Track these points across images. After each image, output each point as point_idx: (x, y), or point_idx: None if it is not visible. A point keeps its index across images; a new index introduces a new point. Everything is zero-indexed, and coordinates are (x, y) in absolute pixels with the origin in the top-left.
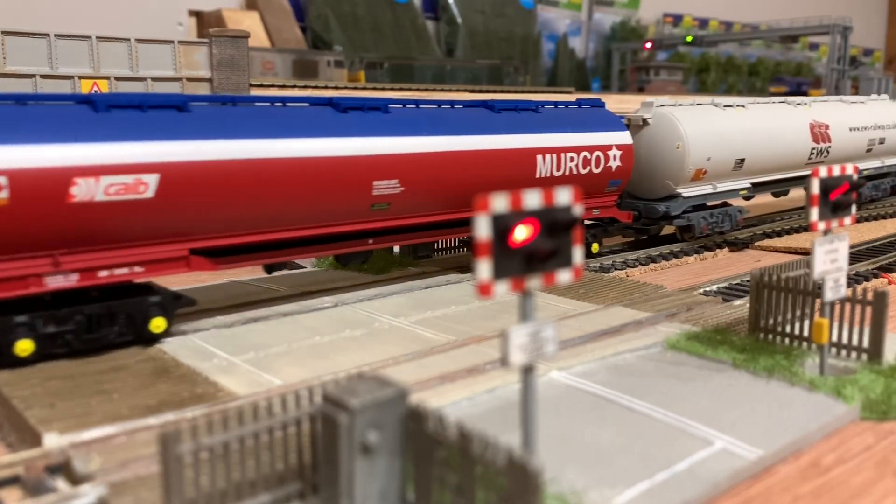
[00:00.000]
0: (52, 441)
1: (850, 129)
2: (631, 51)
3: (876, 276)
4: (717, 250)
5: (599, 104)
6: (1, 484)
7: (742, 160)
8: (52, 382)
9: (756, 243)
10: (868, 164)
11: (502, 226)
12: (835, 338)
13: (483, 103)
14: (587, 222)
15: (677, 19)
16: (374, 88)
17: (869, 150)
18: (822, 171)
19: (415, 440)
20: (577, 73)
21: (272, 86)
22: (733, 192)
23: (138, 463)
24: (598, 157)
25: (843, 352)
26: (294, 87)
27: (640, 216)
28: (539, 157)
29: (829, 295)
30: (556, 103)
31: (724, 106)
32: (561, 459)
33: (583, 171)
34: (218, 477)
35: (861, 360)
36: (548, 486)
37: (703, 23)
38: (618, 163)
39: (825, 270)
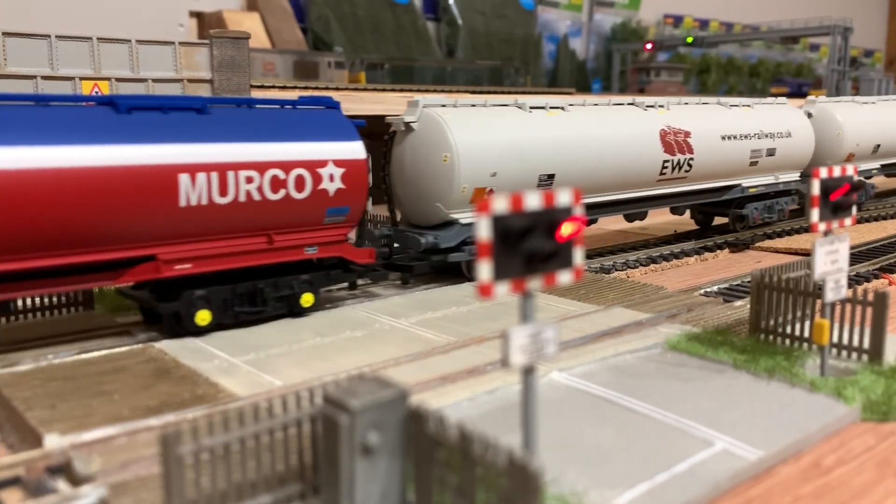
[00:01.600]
0: (53, 442)
1: (724, 138)
2: (631, 52)
3: (876, 277)
4: (718, 251)
5: (332, 104)
6: (2, 485)
7: (550, 175)
8: (52, 383)
9: (756, 244)
10: (755, 181)
11: (503, 227)
12: (835, 339)
13: (109, 99)
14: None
15: (678, 20)
16: (375, 90)
17: (754, 164)
18: (823, 172)
19: (415, 441)
20: (577, 75)
21: (273, 87)
22: None
23: (139, 464)
24: (300, 177)
25: (844, 353)
26: (295, 87)
27: (398, 251)
28: (184, 176)
29: (830, 296)
30: (272, 102)
31: (531, 108)
32: (561, 460)
33: (272, 196)
34: (218, 478)
35: (862, 360)
36: (548, 487)
37: (704, 24)
38: (338, 184)
39: (826, 271)
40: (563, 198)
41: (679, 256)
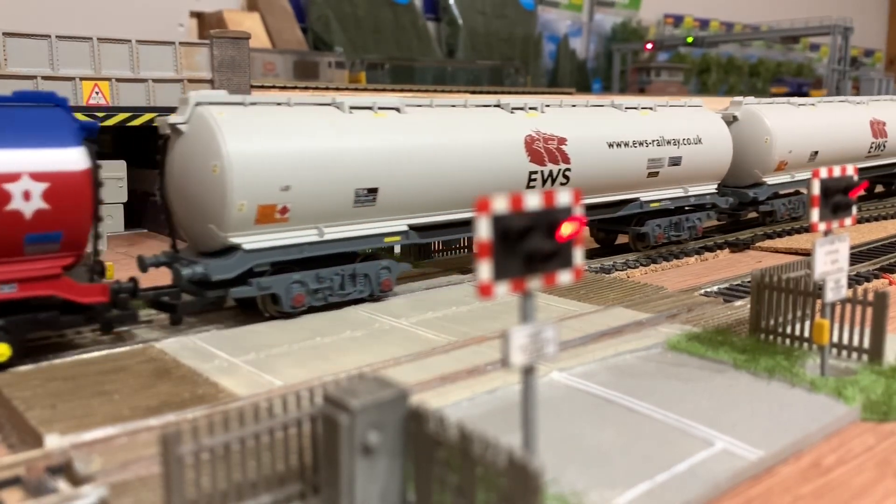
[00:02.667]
0: (53, 442)
1: (612, 145)
2: (632, 52)
3: (876, 277)
4: (718, 251)
5: (56, 101)
6: (2, 485)
7: (371, 190)
8: (53, 383)
9: (757, 244)
10: (656, 194)
11: (503, 227)
12: (835, 338)
13: None
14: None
15: (678, 20)
16: (376, 90)
17: (654, 175)
18: (823, 172)
19: (415, 441)
20: (577, 74)
21: (273, 87)
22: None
23: (139, 464)
24: None
25: (844, 352)
26: (295, 88)
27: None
28: None
29: (830, 296)
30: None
31: (352, 108)
32: (561, 460)
33: None
34: (219, 478)
35: (862, 360)
36: (548, 486)
37: (704, 23)
38: (39, 203)
39: (826, 271)
40: (564, 198)
41: (679, 256)
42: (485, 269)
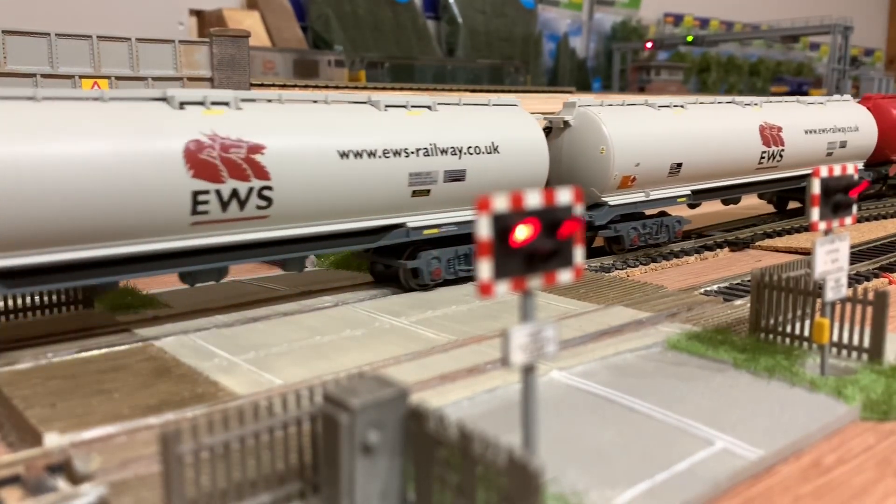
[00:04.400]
0: (53, 440)
1: (344, 155)
2: (632, 50)
3: (877, 276)
4: (718, 250)
5: None
6: (1, 483)
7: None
8: (52, 382)
9: (757, 243)
10: (430, 219)
11: (503, 226)
12: (835, 338)
13: None
14: None
15: (678, 19)
16: (375, 88)
17: (421, 194)
18: (823, 171)
19: (415, 440)
20: (577, 73)
21: (273, 85)
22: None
23: (139, 462)
24: None
25: (844, 352)
26: (295, 86)
27: None
28: None
29: (830, 295)
30: None
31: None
32: (562, 459)
33: None
34: (218, 477)
35: (862, 360)
36: (548, 486)
37: (704, 22)
38: None
39: (826, 270)
40: (564, 197)
41: (679, 255)
42: (485, 268)
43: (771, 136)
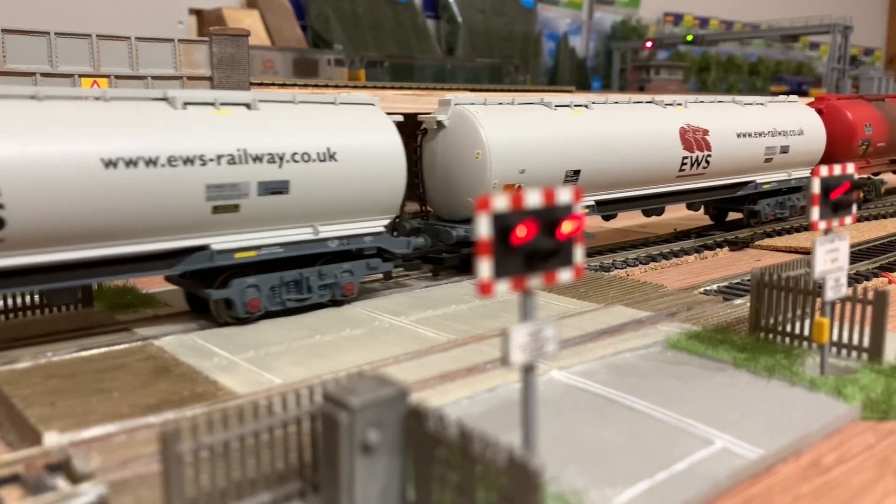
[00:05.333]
0: (52, 440)
1: (101, 164)
2: (631, 50)
3: (876, 276)
4: (718, 249)
5: None
6: (1, 483)
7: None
8: (52, 381)
9: (756, 242)
10: (226, 240)
11: (503, 225)
12: (835, 337)
13: None
14: None
15: (678, 18)
16: (375, 87)
17: (227, 209)
18: (823, 171)
19: (415, 439)
20: (577, 73)
21: (272, 84)
22: None
23: (138, 462)
24: None
25: (844, 351)
26: (294, 85)
27: None
28: None
29: (830, 294)
30: None
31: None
32: (561, 459)
33: None
34: (218, 476)
35: (861, 359)
36: (548, 485)
37: (704, 22)
38: None
39: (826, 270)
40: (564, 196)
41: (679, 255)
42: (485, 268)
43: (694, 139)
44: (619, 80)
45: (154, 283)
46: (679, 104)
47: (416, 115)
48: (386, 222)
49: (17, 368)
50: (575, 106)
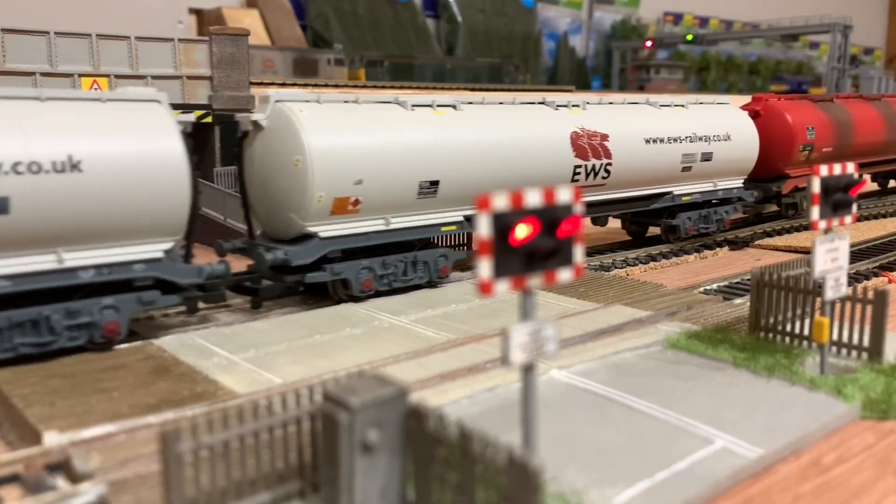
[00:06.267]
0: (52, 439)
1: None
2: (631, 49)
3: (876, 275)
4: (718, 249)
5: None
6: (1, 482)
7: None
8: (51, 380)
9: (756, 242)
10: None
11: (503, 224)
12: (835, 337)
13: None
14: None
15: (678, 18)
16: (375, 87)
17: None
18: (823, 170)
19: (415, 439)
20: (577, 72)
21: (272, 84)
22: None
23: (138, 461)
24: None
25: (844, 351)
26: (294, 85)
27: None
28: None
29: (830, 294)
30: None
31: None
32: (561, 458)
33: None
34: (218, 475)
35: (861, 359)
36: (548, 485)
37: (704, 21)
38: None
39: (826, 269)
40: (564, 195)
41: (678, 254)
42: (485, 267)
43: (590, 146)
44: (619, 79)
45: None
46: (575, 106)
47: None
48: (167, 246)
49: (17, 368)
50: (438, 106)
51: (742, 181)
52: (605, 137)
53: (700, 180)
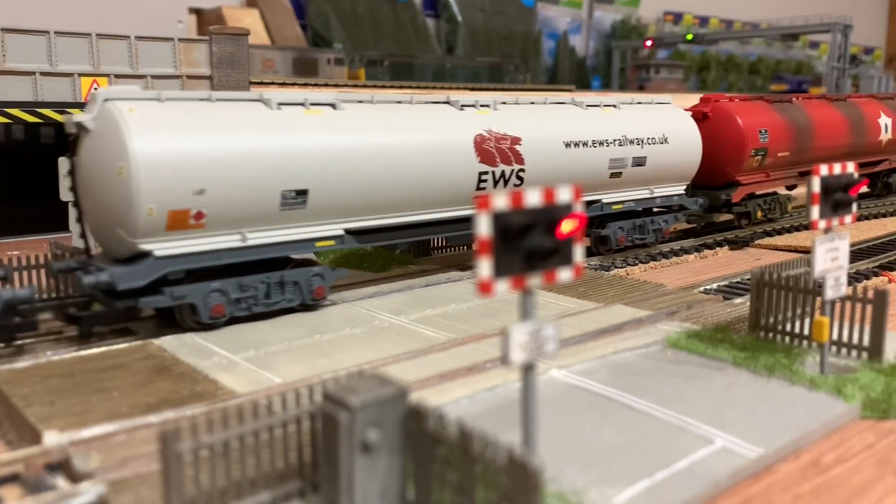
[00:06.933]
0: (52, 439)
1: None
2: (631, 49)
3: (876, 275)
4: (718, 248)
5: None
6: (1, 482)
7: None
8: (51, 380)
9: (756, 242)
10: None
11: (503, 224)
12: (835, 336)
13: None
14: None
15: (678, 17)
16: (375, 86)
17: None
18: (823, 170)
19: (415, 438)
20: (577, 72)
21: (272, 83)
22: None
23: (138, 461)
24: None
25: (844, 350)
26: (294, 84)
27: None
28: None
29: (830, 293)
30: None
31: None
32: (561, 458)
33: None
34: (218, 475)
35: (861, 358)
36: (548, 484)
37: (704, 21)
38: None
39: (826, 269)
40: (564, 195)
41: (678, 254)
42: (485, 267)
43: (498, 150)
44: (619, 79)
45: None
46: (484, 106)
47: None
48: None
49: (16, 367)
50: (312, 105)
51: (684, 188)
52: (516, 141)
53: (633, 187)
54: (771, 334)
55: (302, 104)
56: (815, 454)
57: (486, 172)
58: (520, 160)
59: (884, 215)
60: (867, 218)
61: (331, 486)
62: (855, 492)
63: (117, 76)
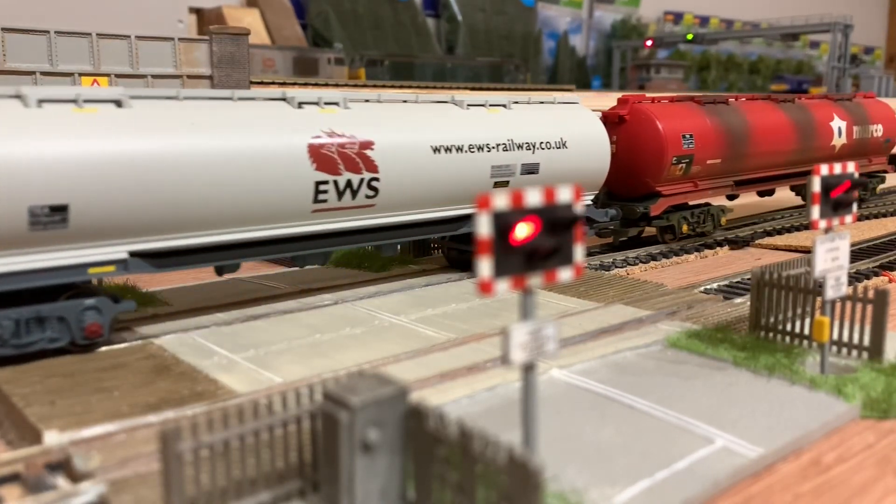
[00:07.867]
0: (53, 439)
1: None
2: (632, 49)
3: (877, 275)
4: (718, 248)
5: None
6: (1, 481)
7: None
8: (52, 380)
9: (756, 241)
10: None
11: (503, 224)
12: (835, 336)
13: None
14: None
15: (678, 17)
16: (375, 86)
17: None
18: (823, 169)
19: (415, 438)
20: (577, 71)
21: (272, 83)
22: None
23: (138, 461)
24: None
25: (844, 350)
26: (294, 84)
27: None
28: None
29: (830, 293)
30: None
31: None
32: (561, 458)
33: None
34: (218, 475)
35: (862, 358)
36: (548, 484)
37: (704, 21)
38: None
39: (826, 268)
40: (564, 194)
41: (679, 254)
42: (485, 266)
43: (342, 156)
44: (620, 78)
45: (154, 282)
46: (330, 104)
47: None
48: None
49: (17, 367)
50: (86, 102)
51: (591, 199)
52: (367, 145)
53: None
54: (771, 334)
55: (73, 101)
56: (816, 454)
57: (325, 182)
58: (371, 167)
59: (884, 215)
60: (867, 218)
61: (331, 486)
62: (855, 491)
63: (118, 76)
